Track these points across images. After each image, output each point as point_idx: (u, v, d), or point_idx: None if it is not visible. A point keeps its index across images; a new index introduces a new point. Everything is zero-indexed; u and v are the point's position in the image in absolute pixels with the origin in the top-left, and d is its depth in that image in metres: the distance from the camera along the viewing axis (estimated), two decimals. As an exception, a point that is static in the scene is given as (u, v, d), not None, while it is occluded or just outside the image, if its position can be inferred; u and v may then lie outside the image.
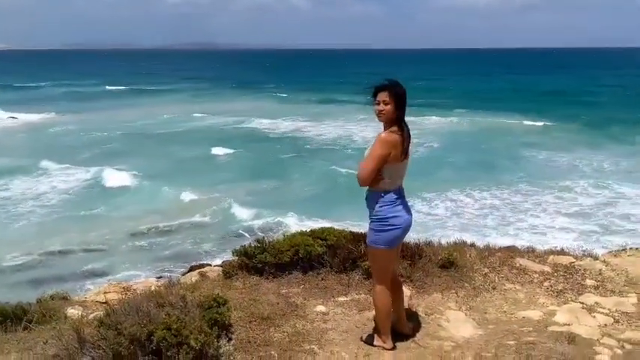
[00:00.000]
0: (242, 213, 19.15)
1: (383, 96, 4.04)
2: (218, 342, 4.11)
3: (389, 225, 4.11)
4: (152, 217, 19.08)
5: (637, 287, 5.95)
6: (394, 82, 4.10)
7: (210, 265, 10.58)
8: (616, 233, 16.55)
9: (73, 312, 5.31)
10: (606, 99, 53.52)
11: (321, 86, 71.13)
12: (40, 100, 56.40)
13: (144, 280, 7.57)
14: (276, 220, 18.22)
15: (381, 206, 4.11)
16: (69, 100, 57.40)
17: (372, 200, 4.16)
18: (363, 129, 36.99)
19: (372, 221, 4.17)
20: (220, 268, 6.28)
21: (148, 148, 31.96)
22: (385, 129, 4.09)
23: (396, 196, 4.14)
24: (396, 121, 4.07)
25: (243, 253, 5.98)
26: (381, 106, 4.04)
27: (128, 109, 49.83)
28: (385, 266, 4.31)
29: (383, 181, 4.08)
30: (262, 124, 41.95)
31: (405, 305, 5.29)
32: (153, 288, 5.30)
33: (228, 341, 4.25)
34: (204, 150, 31.10)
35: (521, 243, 8.46)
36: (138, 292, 5.42)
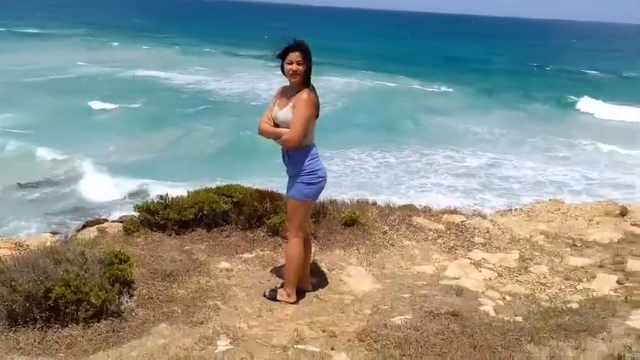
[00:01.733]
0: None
1: (296, 56, 4.12)
2: (119, 298, 4.06)
3: (318, 177, 4.30)
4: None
5: (519, 244, 6.48)
6: (304, 43, 4.19)
7: (107, 220, 10.23)
8: (495, 191, 17.84)
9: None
10: (501, 67, 56.23)
11: (224, 39, 68.60)
12: None
13: (36, 235, 7.22)
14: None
15: (310, 160, 4.25)
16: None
17: (299, 156, 4.25)
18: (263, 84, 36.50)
19: (301, 175, 4.25)
20: (120, 224, 6.11)
21: (18, 98, 29.11)
22: (297, 88, 4.21)
23: (317, 151, 4.35)
24: (307, 80, 4.20)
25: (146, 209, 5.85)
26: (295, 66, 4.11)
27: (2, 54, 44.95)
28: (306, 217, 4.60)
29: (306, 137, 4.22)
30: (158, 76, 39.91)
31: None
32: (48, 244, 5.08)
33: (129, 298, 4.20)
34: (80, 102, 28.83)
35: (409, 200, 8.89)
36: (32, 248, 5.18)
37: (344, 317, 4.42)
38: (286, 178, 4.47)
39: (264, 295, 4.61)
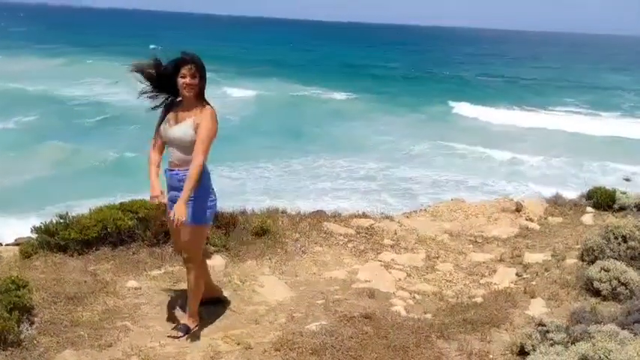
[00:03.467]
0: None
1: (189, 69, 3.85)
2: (19, 327, 3.82)
3: (213, 198, 4.05)
4: None
5: (425, 244, 6.73)
6: (196, 55, 3.94)
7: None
8: (396, 193, 18.45)
9: None
10: (397, 73, 58.17)
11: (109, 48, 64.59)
12: None
13: None
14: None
15: (207, 180, 3.97)
16: None
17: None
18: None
19: (197, 198, 3.88)
20: (17, 247, 5.73)
21: None
22: (191, 104, 3.92)
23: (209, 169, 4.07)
24: (202, 95, 3.96)
25: (44, 230, 5.53)
26: (189, 80, 3.84)
27: None
28: (204, 242, 4.34)
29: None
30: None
31: (221, 275, 5.39)
32: None
33: (30, 325, 3.96)
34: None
35: (316, 206, 8.96)
36: None
37: (259, 328, 4.41)
38: None
39: (176, 337, 4.13)
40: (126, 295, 4.77)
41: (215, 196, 4.08)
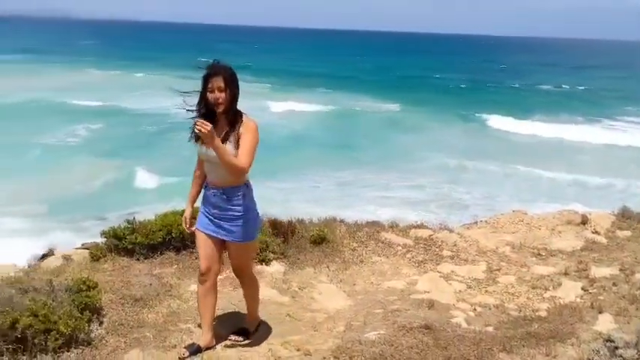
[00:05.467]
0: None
1: (216, 82, 3.51)
2: (89, 326, 3.98)
3: (257, 213, 3.90)
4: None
5: (486, 256, 6.60)
6: (225, 65, 3.59)
7: (67, 248, 9.96)
8: (444, 203, 18.14)
9: None
10: (451, 84, 57.33)
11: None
12: None
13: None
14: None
15: (250, 199, 3.78)
16: None
17: (237, 193, 3.69)
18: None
19: (245, 215, 3.72)
20: (86, 251, 5.98)
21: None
22: (223, 119, 3.59)
23: None
24: (234, 108, 3.61)
25: (112, 234, 5.76)
26: (217, 94, 3.50)
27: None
28: (255, 254, 4.34)
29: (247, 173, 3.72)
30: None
31: (280, 281, 5.46)
32: (12, 274, 4.94)
33: (99, 325, 4.13)
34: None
35: (369, 216, 8.90)
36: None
37: (318, 335, 4.42)
38: None
39: (239, 342, 4.13)
40: (189, 298, 4.89)
41: (257, 211, 3.89)
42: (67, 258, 5.92)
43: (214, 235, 3.77)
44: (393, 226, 7.40)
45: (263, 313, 4.71)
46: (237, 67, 3.69)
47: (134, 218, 5.87)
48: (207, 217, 3.79)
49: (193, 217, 3.98)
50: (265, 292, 5.17)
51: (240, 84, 3.66)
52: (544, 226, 7.56)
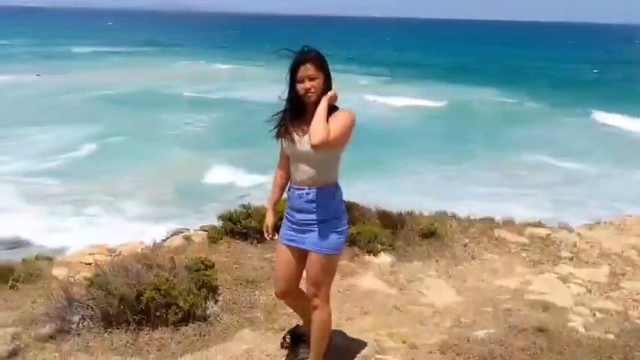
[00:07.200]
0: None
1: (306, 70, 3.10)
2: (206, 303, 4.20)
3: (346, 221, 3.34)
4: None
5: (609, 259, 6.18)
6: (314, 50, 3.17)
7: (188, 229, 10.61)
8: (570, 204, 17.05)
9: (58, 272, 5.34)
10: (575, 75, 53.80)
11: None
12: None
13: (127, 242, 7.60)
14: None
15: (339, 202, 3.29)
16: (39, 60, 55.33)
17: (328, 196, 3.21)
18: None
19: (331, 221, 3.22)
20: (205, 233, 6.33)
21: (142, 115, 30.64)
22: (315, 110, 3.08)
23: None
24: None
25: (228, 218, 6.04)
26: (308, 83, 3.09)
27: (95, 72, 47.81)
28: (335, 272, 3.49)
29: (336, 171, 3.28)
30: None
31: (387, 273, 5.46)
32: (139, 250, 5.34)
33: (215, 303, 4.34)
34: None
35: (481, 210, 8.60)
36: (124, 254, 5.46)
37: (424, 329, 4.37)
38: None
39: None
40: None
41: (346, 219, 3.34)
42: (187, 239, 6.30)
43: (297, 245, 3.28)
44: (508, 223, 7.13)
45: (370, 303, 4.75)
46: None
47: (249, 203, 6.11)
48: (290, 223, 3.32)
49: (276, 225, 3.49)
50: (372, 282, 5.20)
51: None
52: (678, 231, 6.94)
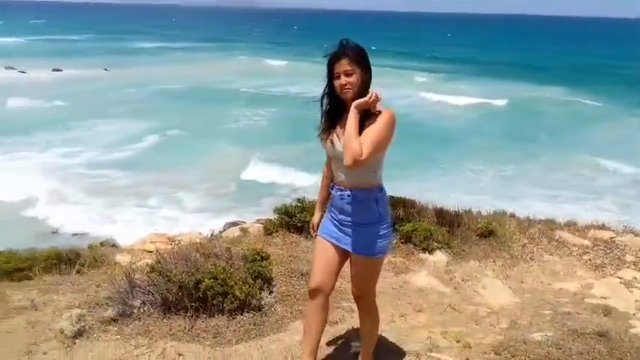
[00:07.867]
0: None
1: (342, 65, 2.96)
2: (260, 294, 4.27)
3: (389, 225, 3.21)
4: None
5: (678, 265, 5.90)
6: (350, 44, 2.99)
7: (244, 222, 10.81)
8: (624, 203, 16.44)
9: (121, 258, 5.55)
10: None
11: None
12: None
13: (187, 232, 7.83)
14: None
15: (386, 205, 3.16)
16: (106, 54, 57.62)
17: (370, 200, 3.08)
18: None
19: (376, 225, 3.10)
20: (261, 225, 6.43)
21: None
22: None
23: None
24: (366, 92, 2.99)
25: (284, 211, 6.11)
26: (344, 79, 2.95)
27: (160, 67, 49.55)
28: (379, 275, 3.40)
29: (379, 172, 3.12)
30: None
31: (443, 272, 5.40)
32: (198, 240, 5.49)
33: (269, 293, 4.41)
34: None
35: (541, 211, 8.36)
36: (183, 243, 5.62)
37: (479, 329, 4.31)
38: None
39: None
40: (352, 277, 5.03)
41: (390, 221, 3.21)
42: (244, 230, 6.43)
43: (338, 243, 3.19)
44: (570, 225, 6.91)
45: (424, 301, 4.72)
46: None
47: (304, 197, 6.17)
48: (332, 222, 3.23)
49: None
50: (427, 280, 5.16)
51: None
52: None
